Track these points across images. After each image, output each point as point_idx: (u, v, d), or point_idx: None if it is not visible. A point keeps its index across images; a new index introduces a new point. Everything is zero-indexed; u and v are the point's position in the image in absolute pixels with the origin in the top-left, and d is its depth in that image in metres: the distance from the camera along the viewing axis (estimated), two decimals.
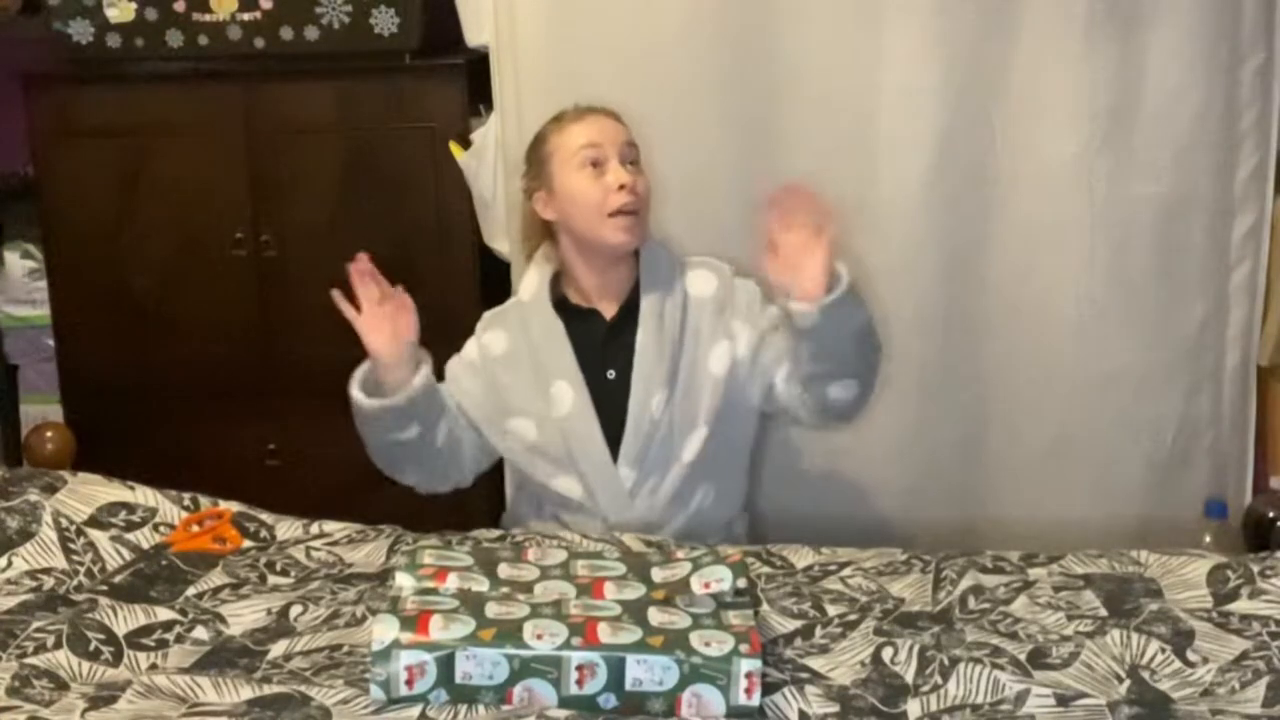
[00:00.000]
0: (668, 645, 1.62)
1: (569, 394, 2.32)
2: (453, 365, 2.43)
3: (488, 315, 2.47)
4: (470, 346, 2.44)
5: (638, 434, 2.30)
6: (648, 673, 1.60)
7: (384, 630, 1.62)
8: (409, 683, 1.59)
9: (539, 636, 1.61)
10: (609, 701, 1.61)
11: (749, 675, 1.61)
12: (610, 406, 2.32)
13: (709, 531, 2.29)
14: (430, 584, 1.74)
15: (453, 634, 1.61)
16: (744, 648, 1.62)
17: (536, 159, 2.37)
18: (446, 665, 1.59)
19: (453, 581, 1.75)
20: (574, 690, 1.60)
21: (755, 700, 1.60)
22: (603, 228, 2.29)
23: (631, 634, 1.63)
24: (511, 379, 2.36)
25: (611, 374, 2.33)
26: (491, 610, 1.67)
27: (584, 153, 2.29)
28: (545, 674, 1.60)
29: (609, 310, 2.37)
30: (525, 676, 1.60)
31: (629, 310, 2.36)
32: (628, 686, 1.60)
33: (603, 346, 2.35)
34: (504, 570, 1.81)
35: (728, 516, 2.39)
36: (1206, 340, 2.76)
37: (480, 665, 1.59)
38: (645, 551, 2.04)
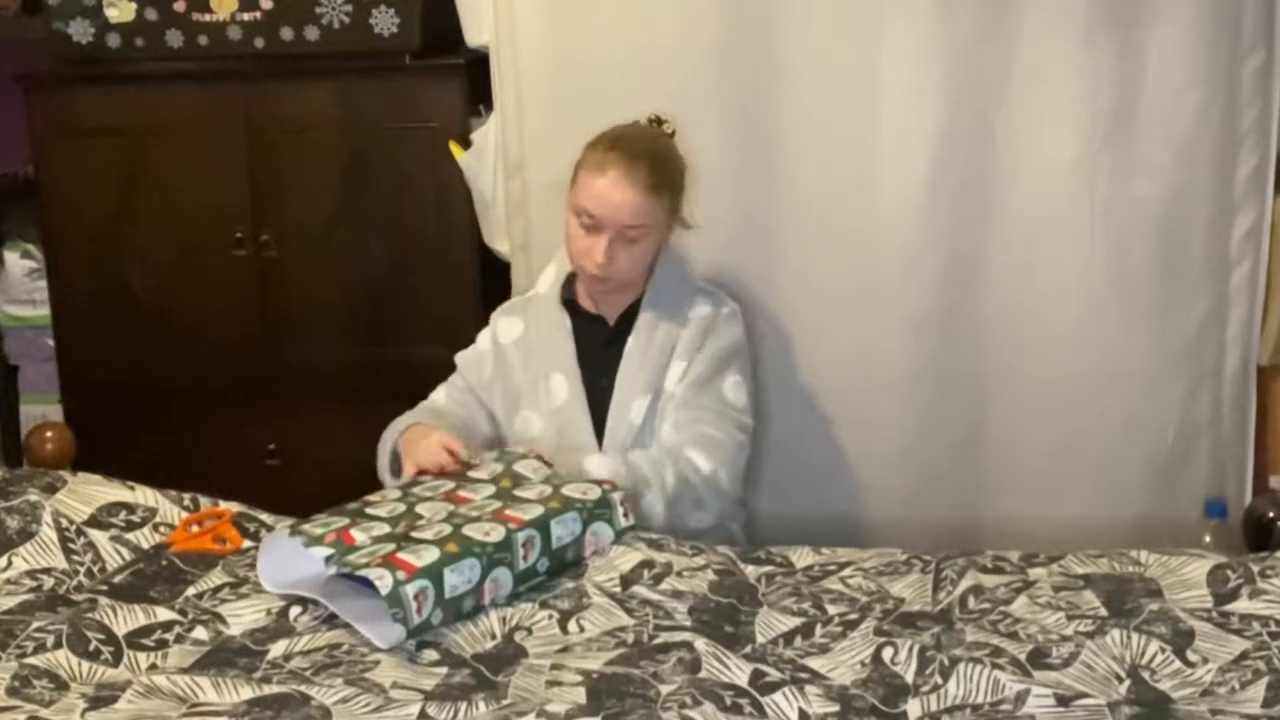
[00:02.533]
0: (565, 503, 1.98)
1: (565, 387, 2.37)
2: (465, 357, 2.49)
3: (503, 306, 2.54)
4: (483, 336, 2.49)
5: (615, 437, 2.35)
6: (564, 529, 1.95)
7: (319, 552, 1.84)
8: (418, 610, 1.77)
9: (487, 534, 1.87)
10: (544, 565, 1.92)
11: (623, 502, 2.05)
12: (603, 412, 2.37)
13: (695, 534, 2.29)
14: (344, 543, 1.87)
15: (429, 559, 1.80)
16: (605, 485, 2.06)
17: (575, 166, 2.37)
18: (438, 583, 1.79)
19: (359, 534, 1.88)
20: (521, 566, 1.89)
21: (631, 519, 2.05)
22: (578, 269, 2.37)
23: (535, 508, 1.95)
24: (521, 366, 2.42)
25: (605, 382, 2.38)
26: (424, 535, 1.86)
27: (584, 214, 2.30)
28: (503, 560, 1.87)
29: (613, 317, 2.42)
30: (491, 569, 1.85)
31: (630, 318, 2.40)
32: (554, 546, 1.93)
33: (600, 352, 2.39)
34: (374, 512, 1.96)
35: (709, 523, 2.38)
36: (1206, 340, 2.75)
37: (462, 574, 1.82)
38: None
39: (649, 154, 2.31)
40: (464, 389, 2.47)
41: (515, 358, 2.43)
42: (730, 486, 2.35)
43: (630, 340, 2.38)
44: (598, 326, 2.42)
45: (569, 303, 2.44)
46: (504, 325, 2.47)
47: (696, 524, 2.31)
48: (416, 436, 2.25)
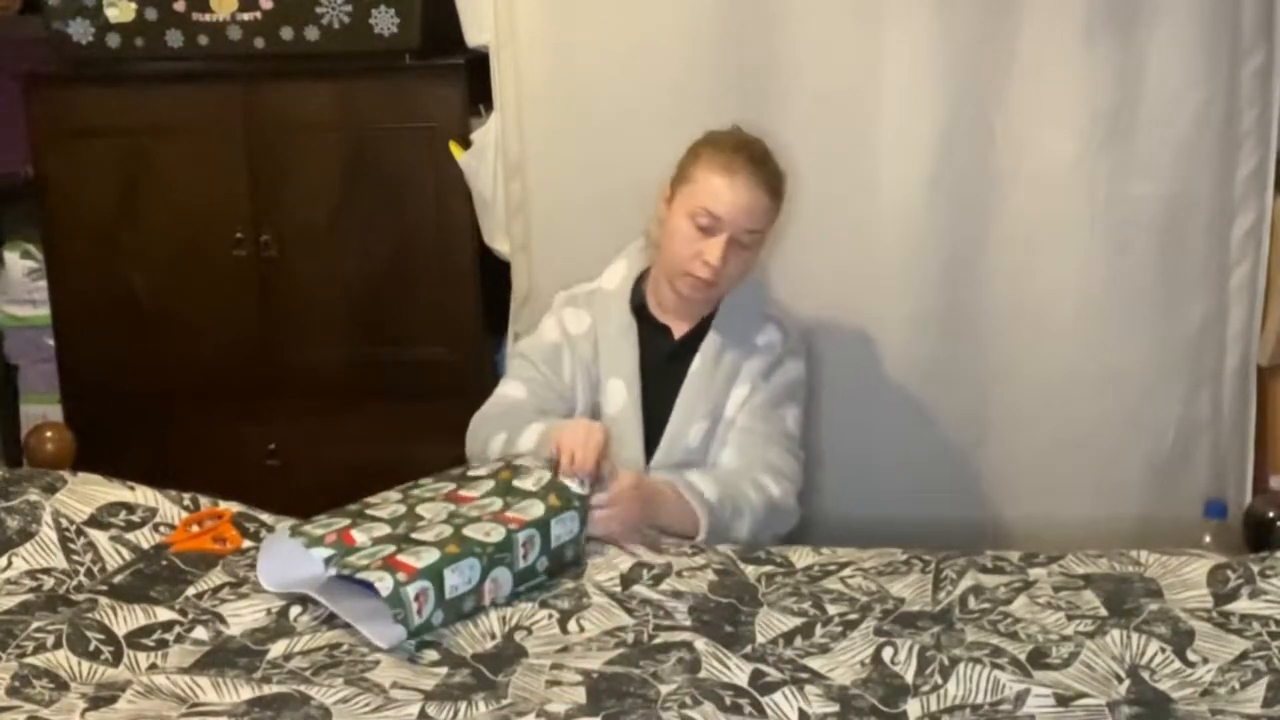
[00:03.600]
0: (565, 500, 1.97)
1: (622, 393, 2.33)
2: (539, 349, 2.39)
3: (564, 295, 2.45)
4: (549, 326, 2.41)
5: (670, 456, 2.31)
6: (563, 528, 1.95)
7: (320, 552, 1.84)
8: (419, 611, 1.76)
9: (487, 534, 1.87)
10: (543, 564, 1.92)
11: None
12: (652, 423, 2.33)
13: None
14: (345, 544, 1.86)
15: (429, 560, 1.80)
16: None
17: (681, 167, 2.33)
18: (439, 584, 1.79)
19: (360, 535, 1.88)
20: (521, 565, 1.89)
21: None
22: (676, 276, 2.30)
23: (537, 506, 1.94)
24: (591, 361, 2.36)
25: (661, 394, 2.34)
26: (424, 536, 1.86)
27: (702, 215, 2.25)
28: (503, 560, 1.86)
29: (679, 330, 2.38)
30: (491, 569, 1.85)
31: (697, 335, 2.36)
32: (553, 545, 1.93)
33: (662, 364, 2.35)
34: (374, 513, 1.96)
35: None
36: (1206, 340, 2.76)
37: (462, 574, 1.82)
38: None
39: (771, 159, 2.30)
40: (543, 383, 2.36)
41: (586, 351, 2.37)
42: (791, 515, 2.33)
43: (696, 361, 2.33)
44: (663, 337, 2.37)
45: (637, 308, 2.38)
46: (570, 316, 2.40)
47: (765, 541, 2.28)
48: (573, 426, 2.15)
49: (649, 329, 2.37)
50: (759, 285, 2.44)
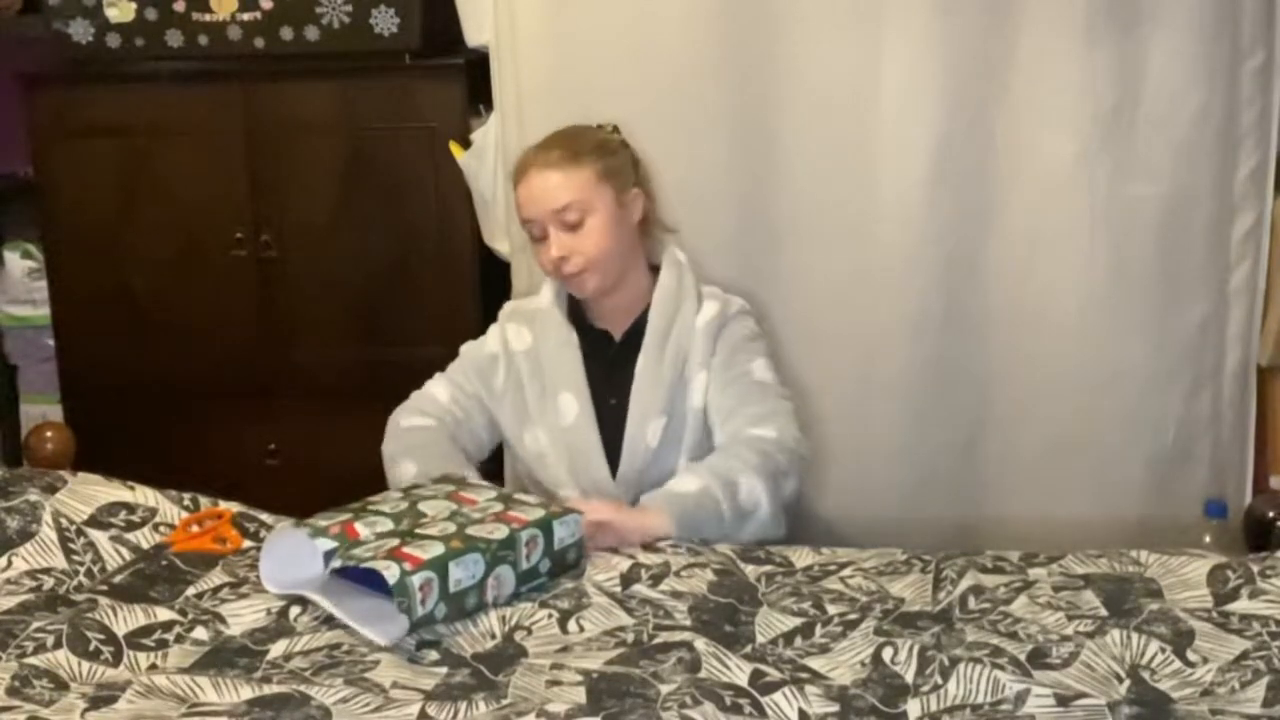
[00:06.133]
0: (566, 508, 1.99)
1: (574, 406, 2.31)
2: (474, 358, 2.41)
3: (510, 306, 2.47)
4: (492, 335, 2.42)
5: (633, 459, 2.30)
6: (565, 530, 1.95)
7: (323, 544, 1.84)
8: (423, 601, 1.77)
9: (491, 532, 1.87)
10: (545, 566, 1.92)
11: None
12: (611, 432, 2.31)
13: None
14: (348, 538, 1.86)
15: (434, 552, 1.81)
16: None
17: None
18: (443, 576, 1.80)
19: (363, 529, 1.89)
20: (524, 565, 1.89)
21: None
22: (565, 285, 2.33)
23: (538, 510, 1.95)
24: (529, 380, 2.36)
25: (614, 401, 2.32)
26: (428, 531, 1.87)
27: (525, 227, 2.30)
28: (506, 558, 1.87)
29: (619, 331, 2.37)
30: (495, 566, 1.85)
31: (636, 334, 2.34)
32: (555, 547, 1.93)
33: (608, 369, 2.33)
34: (377, 509, 1.96)
35: (797, 490, 2.32)
36: (1206, 340, 2.76)
37: (466, 569, 1.83)
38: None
39: (557, 137, 2.31)
40: (470, 394, 2.39)
41: (525, 369, 2.36)
42: (799, 445, 2.26)
43: (640, 359, 2.31)
44: (604, 342, 2.36)
45: (573, 317, 2.37)
46: (513, 332, 2.39)
47: (791, 494, 2.24)
48: None
49: (590, 338, 2.36)
50: (684, 265, 2.38)
